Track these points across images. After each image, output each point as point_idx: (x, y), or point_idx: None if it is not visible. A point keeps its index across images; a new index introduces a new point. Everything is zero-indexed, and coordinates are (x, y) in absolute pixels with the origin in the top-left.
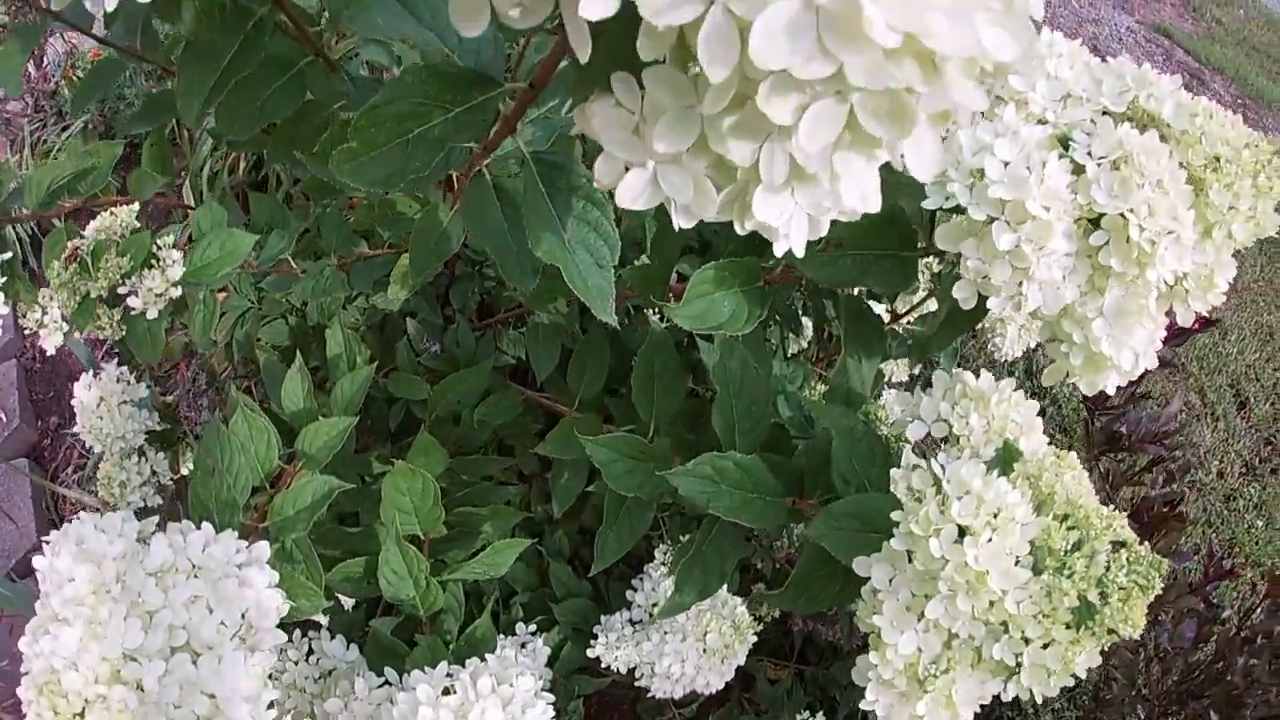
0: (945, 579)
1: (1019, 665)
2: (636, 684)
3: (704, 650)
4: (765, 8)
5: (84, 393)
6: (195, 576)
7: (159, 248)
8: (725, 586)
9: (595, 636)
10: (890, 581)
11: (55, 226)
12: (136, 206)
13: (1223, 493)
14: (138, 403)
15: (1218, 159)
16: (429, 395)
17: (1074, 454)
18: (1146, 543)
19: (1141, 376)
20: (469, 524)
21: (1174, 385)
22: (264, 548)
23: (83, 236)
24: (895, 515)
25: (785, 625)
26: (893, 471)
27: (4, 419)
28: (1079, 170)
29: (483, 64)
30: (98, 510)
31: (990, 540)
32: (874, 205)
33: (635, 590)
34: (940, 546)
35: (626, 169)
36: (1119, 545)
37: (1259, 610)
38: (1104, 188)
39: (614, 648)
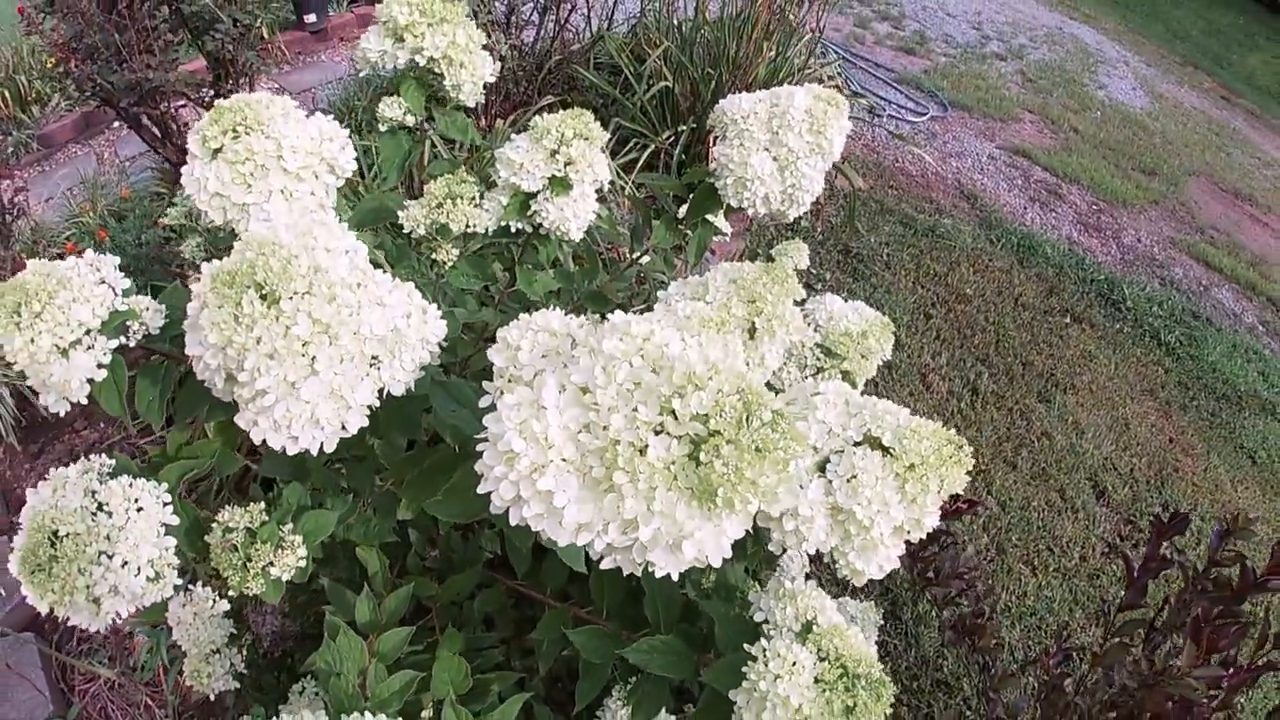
0: (770, 700)
1: None
2: None
3: None
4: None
5: (179, 610)
6: None
7: (284, 534)
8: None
9: None
10: (747, 702)
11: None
12: (263, 505)
13: (1086, 574)
14: (222, 614)
15: (913, 465)
16: (436, 592)
17: (853, 628)
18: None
19: (945, 530)
20: (484, 685)
21: (1033, 490)
22: None
23: (217, 522)
24: (745, 669)
25: None
26: (747, 646)
27: (4, 594)
28: (829, 482)
29: None
30: (111, 680)
31: (790, 679)
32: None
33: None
34: (766, 685)
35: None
36: (865, 685)
37: (1092, 676)
38: (842, 493)
39: None
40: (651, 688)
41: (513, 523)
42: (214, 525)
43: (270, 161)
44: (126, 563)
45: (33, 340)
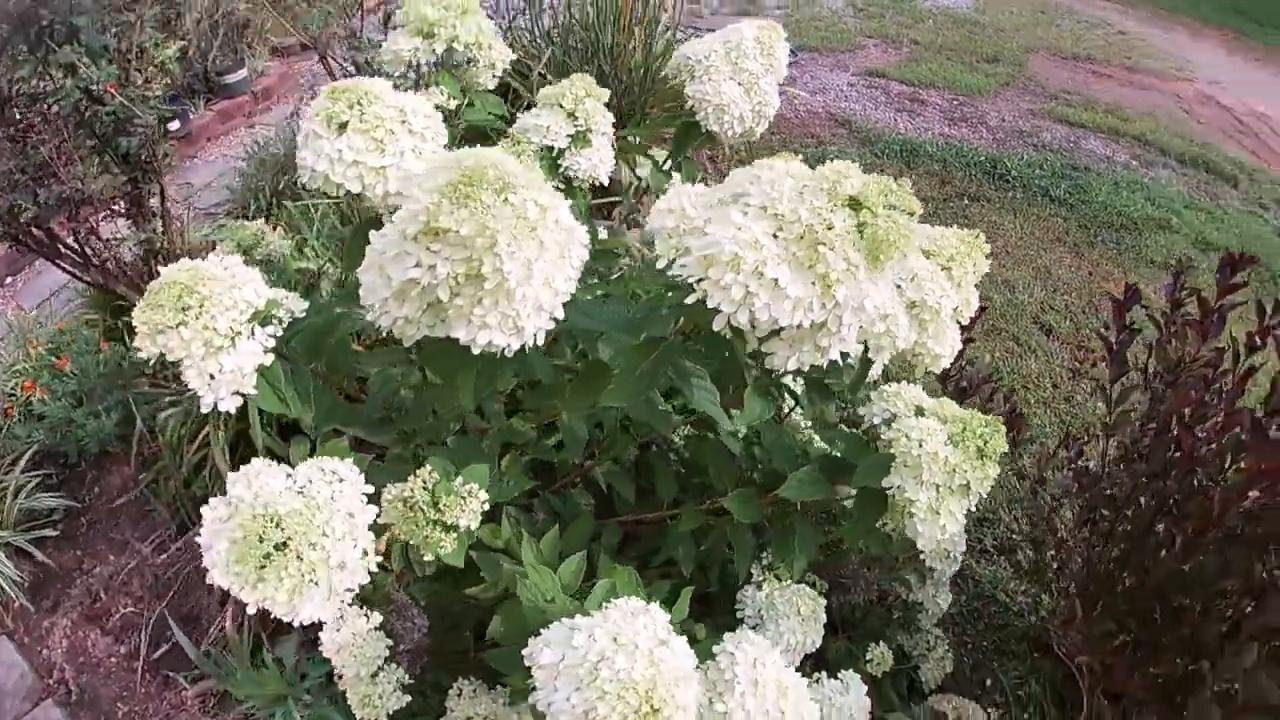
0: (925, 459)
1: (968, 485)
2: None
3: (802, 619)
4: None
5: (335, 635)
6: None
7: (458, 486)
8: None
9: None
10: (903, 476)
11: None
12: (434, 469)
13: (1062, 396)
14: (377, 628)
15: (952, 257)
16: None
17: (952, 401)
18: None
19: (962, 355)
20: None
21: (991, 344)
22: None
23: (388, 500)
24: (893, 449)
25: (829, 610)
26: (884, 429)
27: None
28: (899, 287)
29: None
30: None
31: (933, 438)
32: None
33: (742, 606)
34: (917, 450)
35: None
36: (982, 428)
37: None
38: (911, 290)
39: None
40: (805, 529)
41: (741, 322)
42: (385, 502)
43: (396, 126)
44: (343, 536)
45: (205, 326)
